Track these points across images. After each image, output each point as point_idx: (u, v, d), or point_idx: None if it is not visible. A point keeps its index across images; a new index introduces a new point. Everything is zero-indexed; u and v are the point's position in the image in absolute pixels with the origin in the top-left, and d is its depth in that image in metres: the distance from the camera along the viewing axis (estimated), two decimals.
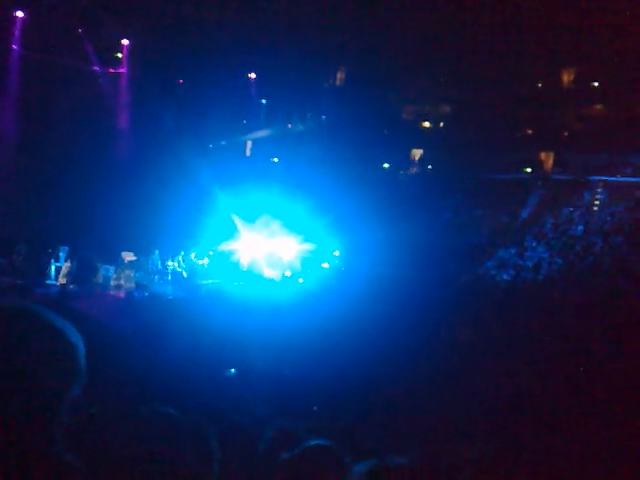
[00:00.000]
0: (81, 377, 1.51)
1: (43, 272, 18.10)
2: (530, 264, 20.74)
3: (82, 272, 18.69)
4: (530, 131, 27.94)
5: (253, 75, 24.85)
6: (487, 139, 26.20)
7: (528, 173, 27.08)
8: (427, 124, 28.46)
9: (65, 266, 18.34)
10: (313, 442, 2.72)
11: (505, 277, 20.33)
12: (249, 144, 27.13)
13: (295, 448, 2.65)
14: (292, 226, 22.08)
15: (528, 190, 25.94)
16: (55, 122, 20.72)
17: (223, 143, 25.72)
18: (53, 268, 18.27)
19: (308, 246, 22.06)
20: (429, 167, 28.09)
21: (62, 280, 17.97)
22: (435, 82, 26.60)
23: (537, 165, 27.09)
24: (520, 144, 27.03)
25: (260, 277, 20.39)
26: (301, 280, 20.44)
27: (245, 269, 21.10)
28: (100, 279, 19.02)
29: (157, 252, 20.15)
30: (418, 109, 28.22)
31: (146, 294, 16.71)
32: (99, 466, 1.84)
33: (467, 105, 27.23)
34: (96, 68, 21.39)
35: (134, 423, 2.16)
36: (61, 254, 18.52)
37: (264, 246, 21.79)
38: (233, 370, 8.52)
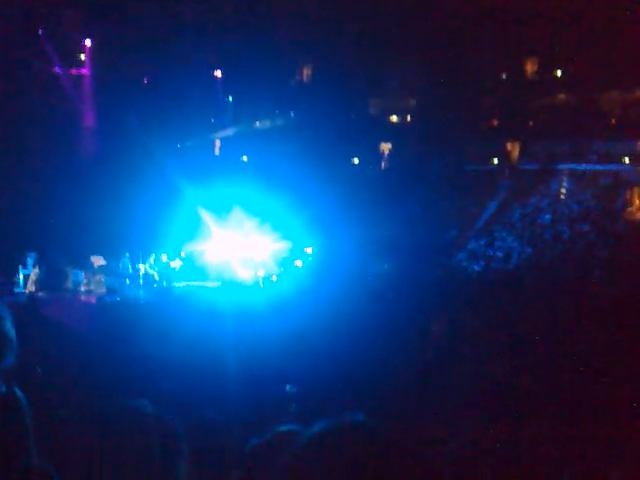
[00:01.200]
0: (11, 346, 1.58)
1: (10, 280, 17.76)
2: (500, 254, 21.00)
3: (51, 278, 18.40)
4: (496, 122, 28.25)
5: (219, 73, 24.65)
6: (453, 131, 26.40)
7: (495, 164, 27.36)
8: (395, 118, 28.56)
9: (33, 273, 18.00)
10: (283, 427, 2.69)
11: (476, 268, 20.56)
12: (217, 143, 26.92)
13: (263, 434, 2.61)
14: (263, 225, 21.99)
15: (495, 181, 26.22)
16: (18, 125, 20.32)
17: (191, 142, 25.49)
18: (21, 275, 17.93)
19: (280, 244, 22.00)
20: (397, 161, 28.21)
21: (31, 287, 17.65)
22: (401, 75, 26.72)
23: (504, 155, 27.38)
24: (486, 135, 27.31)
25: (233, 278, 20.27)
26: (274, 278, 20.40)
27: (217, 270, 20.94)
28: (70, 284, 18.75)
29: (127, 255, 19.90)
30: (385, 103, 28.30)
31: (117, 298, 16.50)
32: (67, 467, 1.82)
33: (433, 98, 27.40)
34: (58, 69, 20.99)
35: (100, 418, 2.12)
36: (29, 260, 18.16)
37: (236, 246, 21.66)
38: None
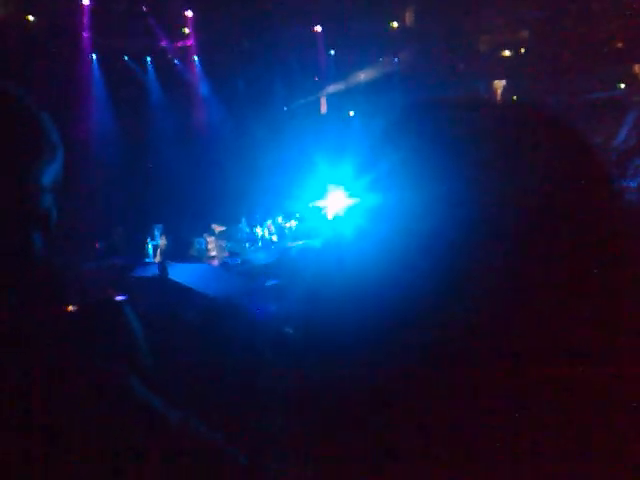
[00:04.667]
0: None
1: (141, 251, 18.78)
2: (634, 184, 19.35)
3: (178, 247, 19.28)
4: (620, 44, 25.83)
5: (319, 28, 24.16)
6: (573, 59, 24.51)
7: (622, 89, 25.19)
8: (507, 52, 26.85)
9: (161, 243, 18.95)
10: None
11: None
12: (323, 101, 26.62)
13: None
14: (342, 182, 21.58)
15: (624, 107, 24.15)
16: (134, 104, 21.13)
17: (297, 104, 25.42)
18: (150, 246, 18.89)
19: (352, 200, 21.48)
20: (514, 98, 26.64)
21: (159, 257, 18.57)
22: (511, 6, 24.98)
23: (632, 79, 25.11)
24: (610, 59, 25.07)
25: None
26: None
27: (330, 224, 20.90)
28: (195, 252, 19.51)
29: (244, 220, 20.47)
30: (495, 38, 26.65)
31: (239, 261, 17.00)
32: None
33: (547, 28, 25.47)
34: (164, 44, 21.52)
35: None
36: (156, 232, 19.11)
37: (342, 203, 21.46)
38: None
